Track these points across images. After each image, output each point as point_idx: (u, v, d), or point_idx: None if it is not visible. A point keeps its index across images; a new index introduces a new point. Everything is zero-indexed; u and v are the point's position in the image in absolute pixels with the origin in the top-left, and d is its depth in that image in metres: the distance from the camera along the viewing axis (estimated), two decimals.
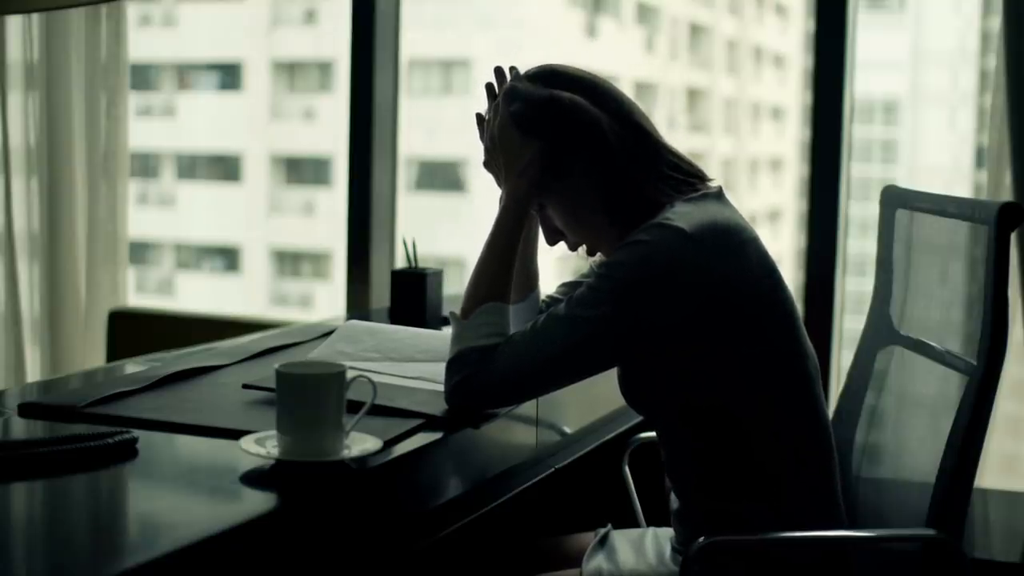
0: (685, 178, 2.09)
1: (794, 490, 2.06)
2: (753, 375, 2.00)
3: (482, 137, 2.16)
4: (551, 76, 2.10)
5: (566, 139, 2.06)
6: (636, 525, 2.50)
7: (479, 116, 2.18)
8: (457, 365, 2.02)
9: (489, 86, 2.18)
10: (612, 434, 2.55)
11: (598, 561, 2.21)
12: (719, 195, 2.08)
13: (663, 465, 2.15)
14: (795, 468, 2.05)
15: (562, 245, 2.16)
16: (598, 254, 2.17)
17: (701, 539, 1.99)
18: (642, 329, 1.96)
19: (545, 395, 2.12)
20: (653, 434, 2.58)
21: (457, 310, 2.09)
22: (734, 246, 1.99)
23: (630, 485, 2.54)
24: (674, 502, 2.18)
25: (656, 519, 2.67)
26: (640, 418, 2.68)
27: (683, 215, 1.98)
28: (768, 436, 2.03)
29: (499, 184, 2.14)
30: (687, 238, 1.94)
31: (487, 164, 2.15)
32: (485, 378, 2.00)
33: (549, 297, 2.27)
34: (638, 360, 2.04)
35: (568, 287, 2.25)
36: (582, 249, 2.17)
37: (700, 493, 2.08)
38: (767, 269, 2.02)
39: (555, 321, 1.98)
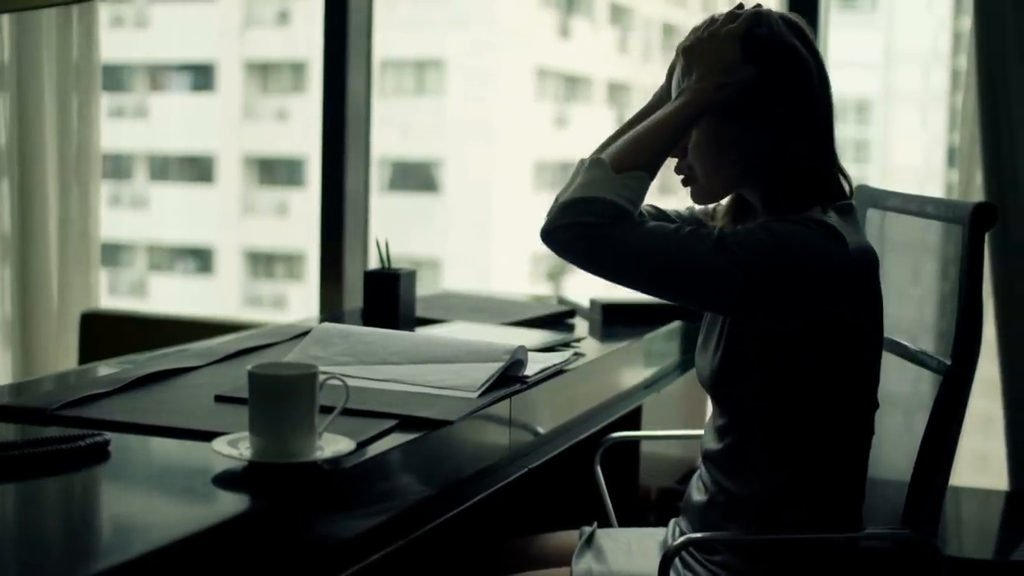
0: (838, 179, 2.11)
1: (834, 504, 2.10)
2: (839, 395, 2.05)
3: (703, 28, 2.12)
4: (798, 29, 2.10)
5: (777, 90, 2.06)
6: (608, 525, 2.51)
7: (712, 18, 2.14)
8: (589, 207, 1.98)
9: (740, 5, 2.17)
10: (585, 434, 2.55)
11: (587, 562, 2.22)
12: (853, 211, 2.10)
13: (720, 455, 2.15)
14: (841, 484, 2.11)
15: None
16: (694, 206, 2.20)
17: (683, 537, 2.03)
18: (766, 304, 1.98)
19: (632, 289, 2.05)
20: (626, 434, 2.59)
21: (601, 156, 2.05)
22: (874, 280, 2.04)
23: (602, 485, 2.54)
24: (698, 494, 2.19)
25: (627, 519, 2.67)
26: (612, 418, 2.69)
27: (846, 229, 2.00)
28: (831, 447, 2.08)
29: (683, 74, 2.11)
30: (849, 256, 1.98)
31: (687, 50, 2.11)
32: (614, 235, 1.96)
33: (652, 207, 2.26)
34: (742, 335, 2.06)
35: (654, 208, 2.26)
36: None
37: (750, 484, 2.10)
38: (881, 302, 2.07)
39: (701, 238, 1.97)
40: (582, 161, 2.18)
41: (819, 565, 2.10)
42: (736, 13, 2.11)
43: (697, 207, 2.25)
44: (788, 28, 2.09)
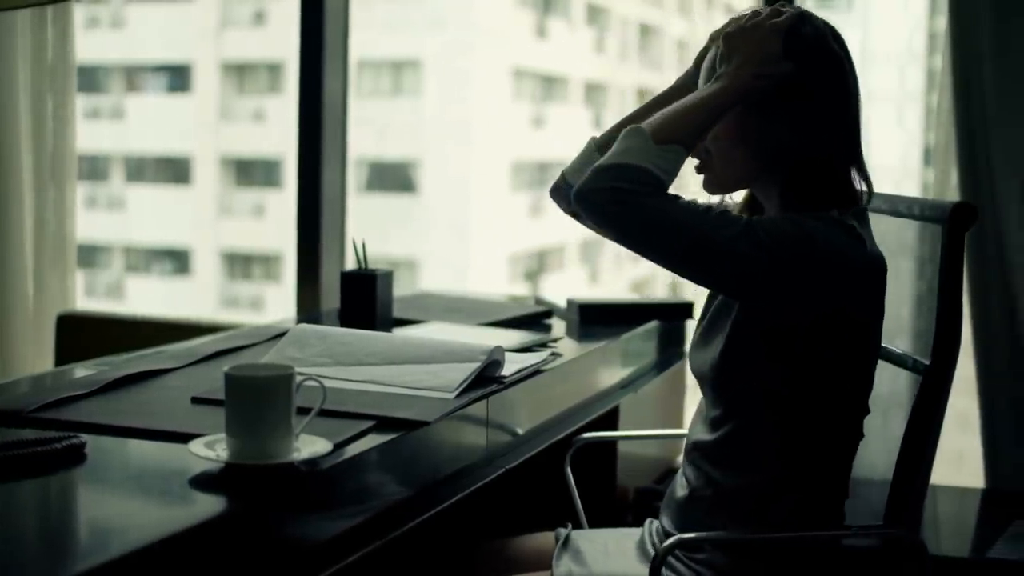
0: (853, 186, 2.13)
1: (821, 499, 2.12)
2: (839, 392, 2.09)
3: (747, 18, 2.13)
4: (837, 36, 2.13)
5: (811, 91, 2.07)
6: (578, 526, 2.50)
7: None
8: (626, 173, 1.98)
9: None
10: (563, 434, 2.55)
11: (566, 564, 2.22)
12: (867, 217, 2.13)
13: (709, 446, 2.16)
14: (828, 480, 2.13)
15: None
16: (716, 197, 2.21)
17: (674, 537, 2.03)
18: (786, 292, 2.00)
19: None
20: (595, 435, 2.58)
21: (641, 126, 2.06)
22: (883, 286, 2.07)
23: (572, 486, 2.54)
24: (681, 489, 2.20)
25: (605, 519, 2.67)
26: (589, 418, 2.69)
27: (864, 232, 2.04)
28: (824, 443, 2.10)
29: (721, 60, 2.12)
30: (866, 257, 2.02)
31: (729, 36, 2.11)
32: (649, 204, 1.96)
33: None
34: (752, 325, 2.07)
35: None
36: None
37: (741, 476, 2.11)
38: (884, 310, 2.10)
39: (732, 222, 1.98)
40: (593, 139, 2.23)
41: (804, 562, 2.11)
42: (780, 10, 2.13)
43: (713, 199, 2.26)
44: (830, 33, 2.12)
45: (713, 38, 2.19)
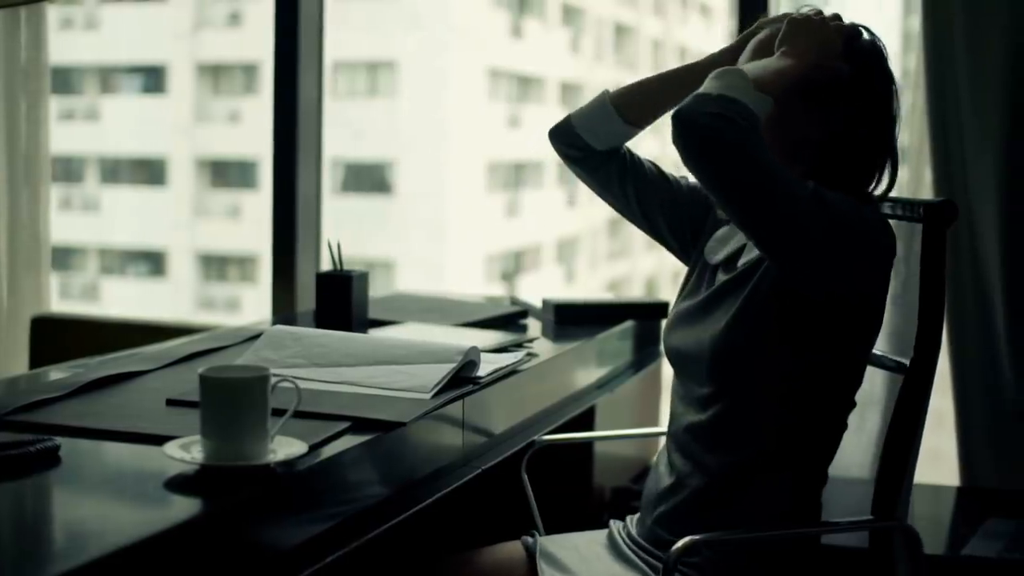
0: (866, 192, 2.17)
1: (805, 479, 2.15)
2: (839, 376, 2.13)
3: (813, 12, 2.16)
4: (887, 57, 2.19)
5: (857, 99, 2.12)
6: (534, 528, 2.50)
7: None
8: (734, 107, 1.97)
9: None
10: (538, 435, 2.54)
11: (551, 573, 2.21)
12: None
13: (701, 429, 2.17)
14: (813, 462, 2.16)
15: None
16: None
17: (687, 538, 1.99)
18: (829, 264, 2.01)
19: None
20: (555, 436, 2.57)
21: (741, 68, 2.08)
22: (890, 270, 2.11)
23: (528, 491, 2.54)
24: (667, 477, 2.20)
25: (582, 519, 2.67)
26: (565, 418, 2.69)
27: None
28: (814, 424, 2.13)
29: (781, 41, 2.14)
30: (894, 249, 2.07)
31: (796, 22, 2.13)
32: (752, 141, 1.96)
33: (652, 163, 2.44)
34: (768, 301, 2.09)
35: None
36: None
37: (732, 452, 2.13)
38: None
39: (802, 184, 1.99)
40: (606, 91, 2.33)
41: (792, 553, 2.14)
42: (839, 15, 2.18)
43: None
44: (884, 53, 2.18)
45: (762, 24, 2.24)
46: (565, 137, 2.41)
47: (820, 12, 2.16)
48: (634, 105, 2.37)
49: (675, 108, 2.01)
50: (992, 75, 3.28)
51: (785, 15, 2.20)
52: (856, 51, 2.13)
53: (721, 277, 2.21)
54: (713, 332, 2.13)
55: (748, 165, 1.95)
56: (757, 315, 2.09)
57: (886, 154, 2.16)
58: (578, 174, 2.45)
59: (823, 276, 2.02)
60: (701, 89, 2.02)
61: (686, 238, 2.39)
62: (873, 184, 2.16)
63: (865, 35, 2.17)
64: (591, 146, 2.39)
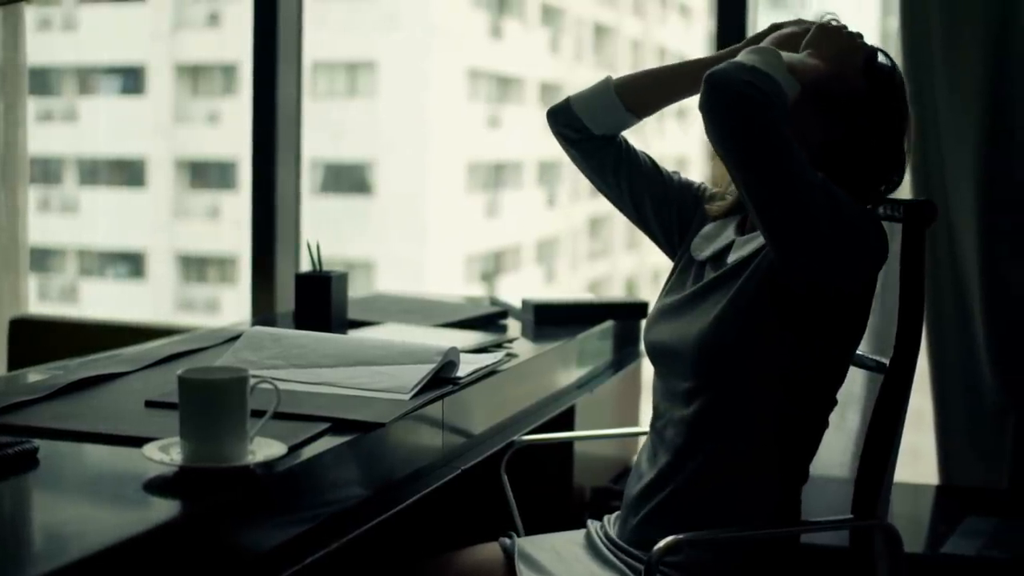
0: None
1: (790, 490, 2.17)
2: (827, 373, 2.14)
3: (844, 26, 2.20)
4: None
5: (867, 117, 2.15)
6: (514, 528, 2.50)
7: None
8: (768, 81, 1.98)
9: None
10: (518, 435, 2.54)
11: (525, 573, 2.21)
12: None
13: (684, 432, 2.17)
14: (794, 456, 2.17)
15: None
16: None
17: (669, 538, 1.99)
18: (830, 256, 2.01)
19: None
20: (534, 437, 2.57)
21: (777, 49, 2.10)
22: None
23: (508, 492, 2.54)
24: (649, 472, 2.20)
25: (563, 519, 2.67)
26: (545, 418, 2.69)
27: None
28: (799, 416, 2.14)
29: (807, 43, 2.16)
30: (887, 250, 2.07)
31: (826, 28, 2.17)
32: (779, 117, 1.96)
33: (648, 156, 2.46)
34: (761, 294, 2.09)
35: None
36: None
37: (715, 441, 2.13)
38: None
39: (813, 172, 1.99)
40: (609, 77, 2.37)
41: (775, 549, 2.15)
42: (862, 36, 2.20)
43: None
44: (902, 81, 2.20)
45: (776, 26, 2.27)
46: (563, 117, 2.44)
47: (843, 25, 2.20)
48: (639, 92, 2.39)
49: (708, 71, 2.01)
50: (969, 75, 3.29)
51: (800, 20, 2.24)
52: (874, 71, 2.16)
53: (710, 273, 2.22)
54: (700, 326, 2.13)
55: (772, 133, 1.95)
56: (746, 311, 2.10)
57: (884, 170, 2.18)
58: (572, 157, 2.46)
59: (817, 261, 2.00)
60: (737, 58, 2.05)
61: (673, 233, 2.39)
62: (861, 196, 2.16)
63: (882, 58, 2.19)
64: (588, 129, 2.40)
